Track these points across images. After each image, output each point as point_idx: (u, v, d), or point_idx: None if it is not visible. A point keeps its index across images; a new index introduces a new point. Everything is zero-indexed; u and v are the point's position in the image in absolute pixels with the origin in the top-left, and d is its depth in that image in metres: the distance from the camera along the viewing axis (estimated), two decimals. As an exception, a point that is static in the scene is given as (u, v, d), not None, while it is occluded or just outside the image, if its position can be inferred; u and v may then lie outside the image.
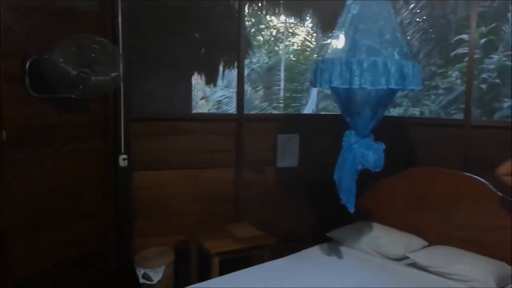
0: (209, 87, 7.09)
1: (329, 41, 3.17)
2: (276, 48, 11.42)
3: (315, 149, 4.15)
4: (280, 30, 11.23)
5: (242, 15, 3.76)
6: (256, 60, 10.79)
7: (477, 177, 3.24)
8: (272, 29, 12.64)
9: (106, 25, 3.07)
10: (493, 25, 8.15)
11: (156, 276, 3.38)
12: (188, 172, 3.77)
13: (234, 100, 9.85)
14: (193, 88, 6.29)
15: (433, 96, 8.58)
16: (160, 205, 3.68)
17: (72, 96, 2.66)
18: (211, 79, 4.81)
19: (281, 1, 4.42)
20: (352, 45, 2.65)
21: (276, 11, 4.54)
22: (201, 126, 3.83)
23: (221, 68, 4.68)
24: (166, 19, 4.01)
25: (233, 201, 3.95)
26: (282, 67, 10.10)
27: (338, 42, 2.80)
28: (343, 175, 2.86)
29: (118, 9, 3.07)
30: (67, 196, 2.88)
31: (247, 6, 4.32)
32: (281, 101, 9.78)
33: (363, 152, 2.78)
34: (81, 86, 2.61)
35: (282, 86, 9.88)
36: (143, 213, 3.59)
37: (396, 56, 2.60)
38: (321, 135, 4.12)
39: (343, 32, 2.72)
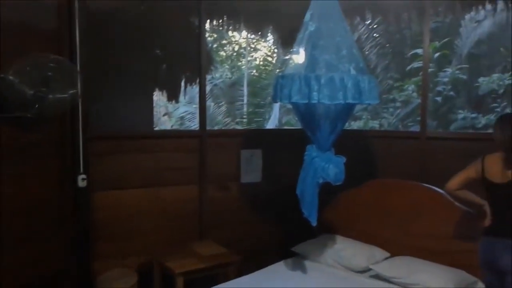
0: (171, 103, 7.02)
1: (289, 56, 3.22)
2: (239, 63, 11.50)
3: (278, 164, 4.18)
4: (243, 46, 11.34)
5: (203, 31, 3.78)
6: (219, 75, 10.83)
7: (434, 187, 3.34)
8: (234, 45, 12.75)
9: (64, 42, 3.01)
10: (445, 39, 8.50)
11: (119, 299, 3.29)
12: (150, 191, 3.71)
13: (197, 116, 9.84)
14: (155, 105, 6.24)
15: (391, 109, 8.84)
16: (121, 226, 3.58)
17: (28, 115, 2.58)
18: (173, 96, 4.78)
19: (242, 18, 4.46)
20: (310, 61, 2.70)
21: (237, 27, 4.57)
22: (163, 143, 3.78)
23: (183, 84, 4.65)
24: (126, 35, 3.97)
25: (197, 218, 3.90)
26: (245, 82, 10.17)
27: (298, 57, 2.85)
28: (305, 189, 2.89)
29: (75, 25, 3.02)
30: (24, 218, 2.77)
31: (208, 22, 4.35)
32: (245, 116, 9.84)
33: (323, 166, 2.82)
34: (37, 105, 2.54)
35: (245, 101, 9.94)
36: (104, 234, 3.49)
37: (353, 72, 2.66)
38: (284, 150, 4.15)
39: (302, 48, 2.77)
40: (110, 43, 3.88)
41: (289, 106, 6.60)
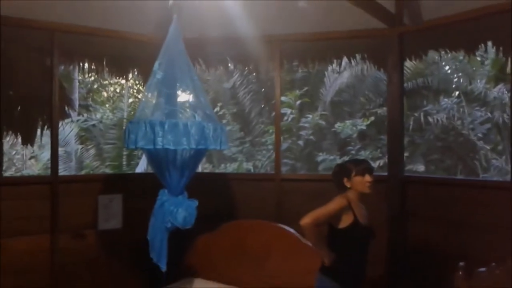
0: (26, 147, 6.56)
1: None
2: (121, 104, 11.27)
3: (140, 209, 4.09)
4: (124, 87, 11.17)
5: (56, 74, 3.67)
6: (100, 115, 10.49)
7: (284, 226, 3.55)
8: (116, 86, 12.50)
9: None
10: (305, 88, 9.25)
11: None
12: (-7, 243, 3.39)
13: (69, 158, 9.32)
14: (11, 148, 5.77)
15: (264, 151, 9.27)
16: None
17: None
18: (27, 139, 4.48)
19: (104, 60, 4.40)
20: (156, 107, 2.77)
21: (100, 70, 4.48)
22: (10, 190, 3.52)
23: (39, 126, 4.39)
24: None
25: (48, 271, 3.64)
26: (125, 124, 9.90)
27: (146, 104, 2.90)
28: (155, 234, 2.88)
29: None
30: None
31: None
32: (123, 159, 9.51)
33: (172, 210, 2.85)
34: None
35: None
36: None
37: (198, 118, 2.78)
38: (146, 194, 4.08)
39: (150, 94, 2.83)
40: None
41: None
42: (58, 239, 3.67)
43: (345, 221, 2.57)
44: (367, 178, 2.60)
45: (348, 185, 2.63)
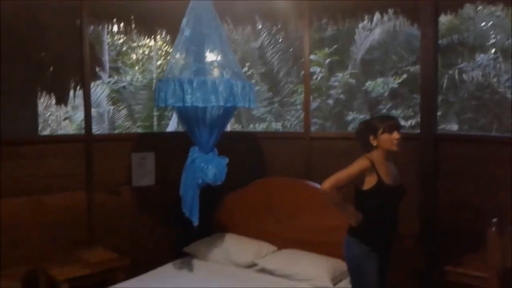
0: (60, 107, 6.72)
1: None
2: (150, 66, 11.34)
3: (172, 167, 4.19)
4: (153, 49, 11.20)
5: (86, 35, 3.70)
6: (130, 78, 10.61)
7: (314, 184, 3.57)
8: (145, 48, 12.53)
9: None
10: (335, 46, 9.02)
11: (1, 314, 3.12)
12: (33, 199, 3.55)
13: (102, 119, 9.52)
14: (53, 110, 5.92)
15: (293, 111, 9.22)
16: (2, 235, 3.40)
17: None
18: (61, 99, 4.60)
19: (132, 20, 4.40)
20: (185, 65, 2.78)
21: (128, 30, 4.50)
22: (45, 149, 3.65)
23: (72, 87, 4.50)
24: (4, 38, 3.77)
25: (85, 226, 3.80)
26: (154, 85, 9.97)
27: (175, 62, 2.91)
28: (186, 189, 2.96)
29: None
30: None
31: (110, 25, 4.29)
32: (153, 120, 9.66)
33: (202, 167, 2.90)
34: None
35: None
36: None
37: (226, 76, 2.78)
38: (178, 153, 4.17)
39: (178, 53, 2.84)
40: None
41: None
42: (93, 196, 3.82)
43: (369, 183, 2.49)
44: (395, 135, 2.47)
45: (374, 143, 2.52)
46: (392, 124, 2.51)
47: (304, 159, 3.96)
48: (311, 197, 3.58)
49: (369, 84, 8.68)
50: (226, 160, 3.16)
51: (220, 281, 3.16)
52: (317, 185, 3.53)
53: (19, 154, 3.53)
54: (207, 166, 2.91)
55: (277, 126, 9.19)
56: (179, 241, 4.03)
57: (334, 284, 3.06)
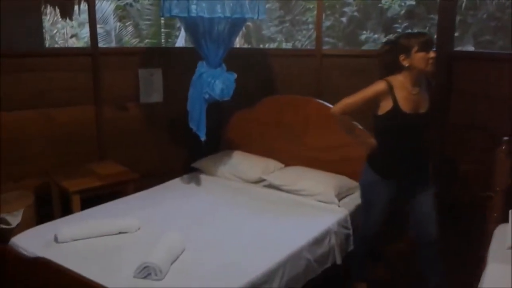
0: (65, 21, 6.49)
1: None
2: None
3: (180, 83, 4.13)
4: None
5: None
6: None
7: (324, 102, 3.51)
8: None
9: None
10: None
11: (15, 219, 3.24)
12: (42, 112, 3.57)
13: (109, 37, 9.28)
14: (52, 26, 5.74)
15: (304, 31, 8.92)
16: (12, 148, 3.46)
17: None
18: (65, 12, 4.44)
19: None
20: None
21: None
22: (52, 62, 3.60)
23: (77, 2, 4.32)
24: None
25: (95, 140, 3.85)
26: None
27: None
28: (193, 104, 2.92)
29: None
30: None
31: None
32: (161, 37, 9.36)
33: (209, 82, 2.84)
34: None
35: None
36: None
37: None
38: (186, 69, 4.09)
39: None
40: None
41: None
42: (102, 111, 3.82)
43: (384, 108, 2.33)
44: (432, 54, 2.25)
45: (406, 63, 2.29)
46: (428, 40, 2.28)
47: (315, 77, 3.87)
48: (320, 115, 3.53)
49: (385, 1, 8.28)
50: (234, 75, 3.09)
51: (227, 194, 3.23)
52: (327, 104, 3.50)
53: (25, 67, 3.48)
54: (214, 81, 2.85)
55: (287, 46, 8.93)
56: (187, 157, 4.08)
57: (339, 200, 3.11)
